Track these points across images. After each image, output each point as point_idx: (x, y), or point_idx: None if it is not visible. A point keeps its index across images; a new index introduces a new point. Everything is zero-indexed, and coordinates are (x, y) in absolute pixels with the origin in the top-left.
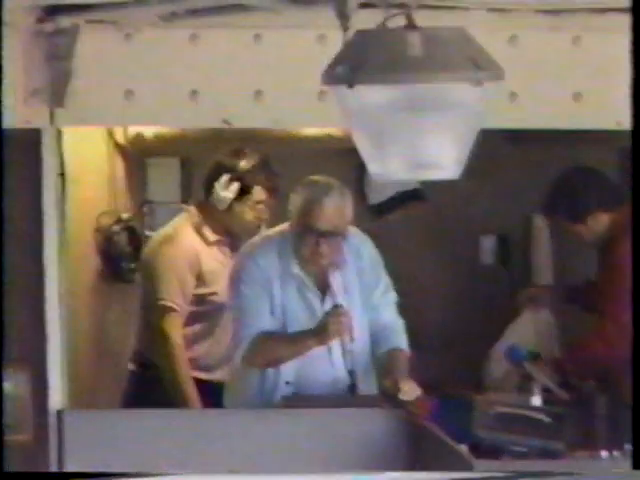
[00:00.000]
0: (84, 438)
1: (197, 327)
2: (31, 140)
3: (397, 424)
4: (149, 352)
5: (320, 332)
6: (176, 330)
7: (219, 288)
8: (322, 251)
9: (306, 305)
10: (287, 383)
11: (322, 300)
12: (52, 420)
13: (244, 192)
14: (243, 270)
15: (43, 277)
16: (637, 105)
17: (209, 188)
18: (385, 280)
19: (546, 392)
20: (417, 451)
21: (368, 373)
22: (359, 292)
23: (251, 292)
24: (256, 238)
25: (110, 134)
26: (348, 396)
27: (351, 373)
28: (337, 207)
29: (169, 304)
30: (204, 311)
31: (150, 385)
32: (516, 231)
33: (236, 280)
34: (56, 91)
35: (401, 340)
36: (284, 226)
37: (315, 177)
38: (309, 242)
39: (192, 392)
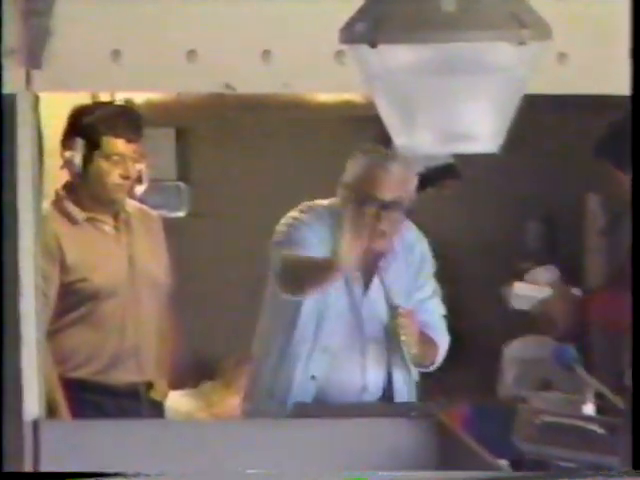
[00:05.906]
0: (61, 449)
1: (70, 318)
2: (4, 107)
3: (428, 435)
4: None
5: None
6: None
7: (92, 273)
8: (382, 227)
9: (348, 291)
10: (313, 377)
11: (365, 289)
12: (27, 430)
13: (93, 147)
14: (288, 233)
15: (17, 266)
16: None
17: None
18: (432, 286)
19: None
20: (449, 466)
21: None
22: (404, 290)
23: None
24: (298, 210)
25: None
26: (376, 404)
27: (386, 379)
28: (403, 176)
29: None
30: (76, 300)
31: None
32: (565, 213)
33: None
34: (33, 51)
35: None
36: (332, 200)
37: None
38: (368, 215)
39: (59, 396)
